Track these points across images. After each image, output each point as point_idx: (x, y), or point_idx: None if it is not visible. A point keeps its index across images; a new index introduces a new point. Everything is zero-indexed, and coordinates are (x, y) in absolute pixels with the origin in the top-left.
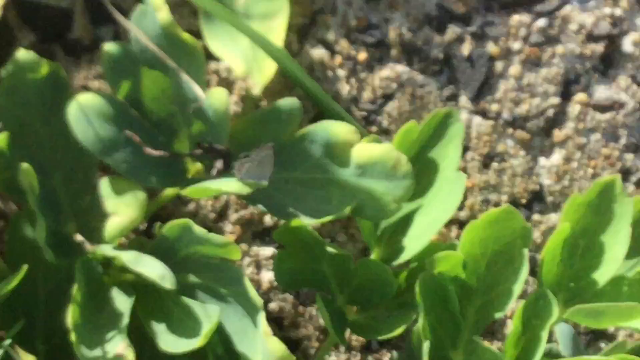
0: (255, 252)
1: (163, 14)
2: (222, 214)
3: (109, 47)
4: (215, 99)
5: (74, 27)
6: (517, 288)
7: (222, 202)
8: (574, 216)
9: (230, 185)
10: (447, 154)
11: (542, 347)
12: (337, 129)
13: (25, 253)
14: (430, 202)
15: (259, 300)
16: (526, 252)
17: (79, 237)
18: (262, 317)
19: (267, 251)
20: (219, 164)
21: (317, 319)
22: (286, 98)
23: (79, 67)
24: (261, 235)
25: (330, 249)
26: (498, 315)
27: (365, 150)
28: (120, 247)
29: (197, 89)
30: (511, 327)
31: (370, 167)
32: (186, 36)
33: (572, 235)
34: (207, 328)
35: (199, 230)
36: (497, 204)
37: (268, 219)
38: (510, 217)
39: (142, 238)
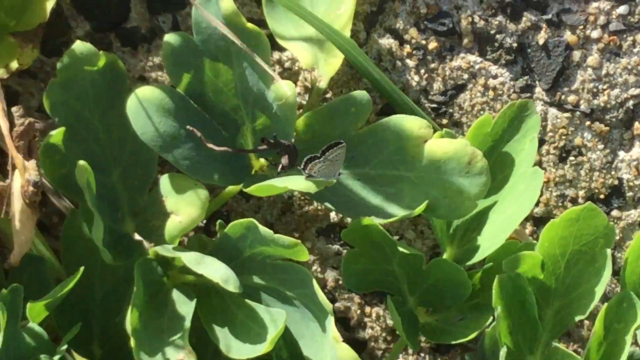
0: (320, 250)
1: (226, 3)
2: (285, 211)
3: (170, 37)
4: (282, 92)
5: (131, 15)
6: (599, 290)
7: (285, 197)
8: None
9: (298, 184)
10: (523, 148)
11: (626, 352)
12: (409, 123)
13: (81, 253)
14: (506, 199)
15: (328, 305)
16: (609, 251)
17: (137, 237)
18: (331, 322)
19: (333, 249)
20: (284, 160)
21: (385, 320)
22: (356, 91)
23: (135, 57)
24: (326, 232)
25: (401, 249)
26: (578, 318)
27: (439, 145)
28: (180, 246)
29: (272, 74)
30: (591, 329)
31: (445, 163)
32: (250, 26)
33: None
34: (273, 333)
35: (264, 230)
36: (573, 200)
37: (333, 216)
38: (592, 214)
39: (202, 236)
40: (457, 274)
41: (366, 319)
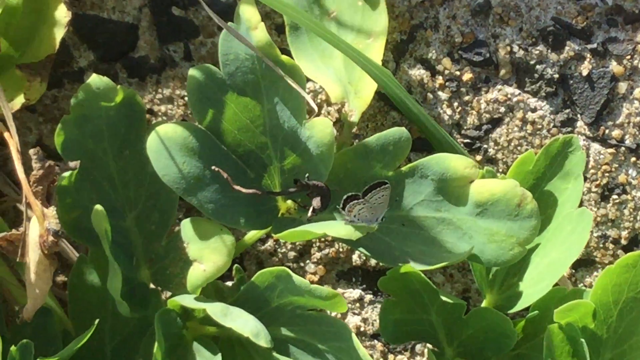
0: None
1: (259, 34)
2: (303, 252)
3: (195, 70)
4: (318, 129)
5: (139, 44)
6: None
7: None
8: None
9: (337, 230)
10: (567, 187)
11: None
12: (453, 163)
13: (90, 303)
14: (549, 242)
15: (368, 359)
16: None
17: (152, 286)
18: None
19: (354, 294)
20: (316, 203)
21: None
22: (394, 128)
23: (143, 89)
24: (347, 275)
25: (444, 298)
26: None
27: (486, 186)
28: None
29: (313, 105)
30: None
31: (492, 206)
32: (285, 58)
33: None
34: None
35: (299, 280)
36: (616, 241)
37: (355, 258)
38: None
39: (218, 282)
40: (501, 323)
41: None
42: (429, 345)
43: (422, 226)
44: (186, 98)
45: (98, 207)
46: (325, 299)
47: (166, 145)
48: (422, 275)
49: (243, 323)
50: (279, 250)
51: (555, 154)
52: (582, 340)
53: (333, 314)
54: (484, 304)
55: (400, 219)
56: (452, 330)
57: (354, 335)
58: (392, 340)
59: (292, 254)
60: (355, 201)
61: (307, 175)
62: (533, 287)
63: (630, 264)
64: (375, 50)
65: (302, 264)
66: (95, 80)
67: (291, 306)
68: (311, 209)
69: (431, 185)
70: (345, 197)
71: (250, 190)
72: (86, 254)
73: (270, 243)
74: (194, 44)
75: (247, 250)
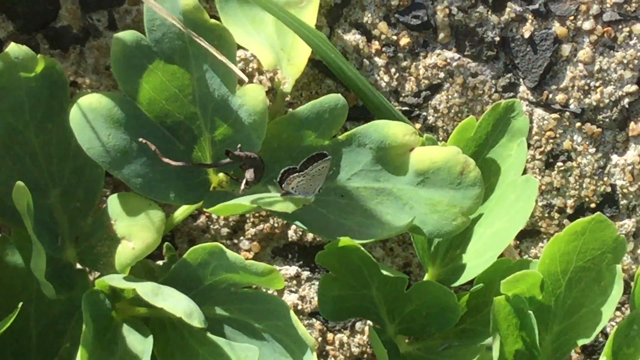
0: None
1: None
2: (237, 229)
3: (120, 36)
4: (250, 97)
5: (60, 13)
6: (606, 310)
7: (236, 214)
8: None
9: (272, 203)
10: (510, 154)
11: None
12: (392, 130)
13: (12, 285)
14: (493, 211)
15: (309, 338)
16: (619, 267)
17: (78, 266)
18: (312, 358)
19: (291, 270)
20: (249, 175)
21: (349, 348)
22: (330, 94)
23: (66, 60)
24: (282, 252)
25: (384, 272)
26: (581, 342)
27: (426, 154)
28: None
29: (241, 75)
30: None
31: (433, 175)
32: (213, 22)
33: None
34: None
35: (233, 255)
36: (561, 210)
37: (291, 233)
38: (600, 227)
39: (147, 261)
40: (444, 297)
41: (328, 347)
42: (369, 322)
43: (360, 197)
44: (111, 69)
45: (19, 183)
46: (261, 275)
47: (90, 117)
48: (362, 248)
49: (175, 303)
50: (211, 227)
51: (497, 119)
52: (530, 312)
53: (270, 291)
54: (426, 278)
55: (337, 190)
56: (393, 306)
57: (292, 313)
58: (331, 317)
59: (225, 231)
60: (295, 174)
61: (239, 146)
62: (477, 259)
63: (578, 231)
64: (308, 15)
65: (235, 241)
66: (13, 49)
67: (225, 284)
68: (244, 182)
69: (369, 154)
70: (283, 170)
71: (180, 163)
72: (8, 234)
73: (202, 219)
74: (119, 12)
75: (178, 227)
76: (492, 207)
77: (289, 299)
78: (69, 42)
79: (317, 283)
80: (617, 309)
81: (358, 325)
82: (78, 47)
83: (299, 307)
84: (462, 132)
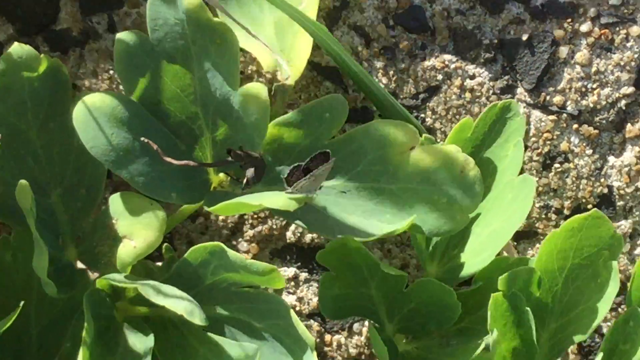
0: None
1: None
2: (235, 230)
3: (123, 36)
4: (252, 95)
5: (60, 16)
6: (602, 307)
7: (235, 216)
8: None
9: (274, 200)
10: (506, 154)
11: None
12: (392, 129)
13: (14, 286)
14: (490, 211)
15: (309, 337)
16: (615, 264)
17: (80, 265)
18: (312, 357)
19: (289, 272)
20: (250, 174)
21: (347, 349)
22: (330, 94)
23: (66, 63)
24: (281, 253)
25: (385, 270)
26: (578, 339)
27: (427, 153)
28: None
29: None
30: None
31: (433, 174)
32: (217, 21)
33: None
34: None
35: (234, 255)
36: (558, 211)
37: (290, 235)
38: (597, 223)
39: (147, 262)
40: (444, 295)
41: (326, 349)
42: (367, 323)
43: (360, 196)
44: (111, 72)
45: (22, 182)
46: (262, 274)
47: (94, 116)
48: (363, 247)
49: (176, 301)
50: (210, 228)
51: (494, 120)
52: (527, 309)
53: (270, 291)
54: (425, 277)
55: (338, 189)
56: (392, 305)
57: (292, 312)
58: (331, 316)
59: (224, 232)
60: (299, 172)
61: (240, 145)
62: (475, 257)
63: (575, 227)
64: (310, 11)
65: (234, 242)
66: (16, 49)
67: (226, 283)
68: (245, 181)
69: (370, 154)
70: (290, 168)
71: (182, 162)
72: (8, 235)
73: (200, 221)
74: (118, 15)
75: (176, 229)
76: (489, 207)
77: (287, 300)
78: (68, 44)
79: (315, 284)
80: (614, 309)
81: (356, 326)
82: (78, 50)
83: (297, 308)
84: (459, 133)
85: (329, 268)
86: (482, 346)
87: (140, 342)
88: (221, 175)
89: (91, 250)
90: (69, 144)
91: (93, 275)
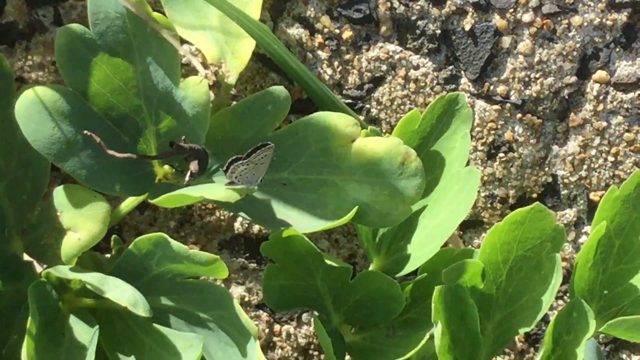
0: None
1: None
2: (183, 222)
3: (64, 30)
4: (193, 89)
5: (6, 9)
6: (547, 298)
7: (183, 208)
8: (609, 213)
9: (216, 192)
10: (454, 146)
11: None
12: (334, 121)
13: None
14: (437, 203)
15: (252, 327)
16: (558, 256)
17: (26, 257)
18: (255, 347)
19: (237, 263)
20: (193, 166)
21: (296, 339)
22: (273, 86)
23: (13, 56)
24: (230, 244)
25: (328, 262)
26: (523, 330)
27: (369, 145)
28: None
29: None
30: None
31: (375, 165)
32: (157, 15)
33: (606, 235)
34: None
35: (177, 245)
36: (503, 200)
37: (237, 226)
38: (540, 216)
39: (95, 253)
40: (388, 287)
41: (275, 339)
42: (315, 313)
43: (304, 188)
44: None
45: None
46: (205, 264)
47: (35, 109)
48: (306, 239)
49: (120, 293)
50: (158, 219)
51: (441, 112)
52: (472, 301)
53: (218, 283)
54: (371, 269)
55: (281, 181)
56: (338, 296)
57: (235, 302)
58: (276, 307)
59: (172, 224)
60: (239, 162)
61: (183, 137)
62: (421, 249)
63: (518, 220)
64: (252, 9)
65: (182, 234)
66: None
67: (171, 274)
68: (189, 173)
69: (312, 146)
70: (229, 160)
71: (125, 155)
72: None
73: (149, 213)
74: (64, 8)
75: (125, 221)
76: (436, 198)
77: (236, 291)
78: (15, 37)
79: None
80: (560, 297)
81: (305, 316)
82: (24, 43)
83: (246, 299)
84: (406, 125)
85: (273, 260)
86: (427, 337)
87: (86, 333)
88: (166, 167)
89: (37, 242)
90: (13, 138)
91: (40, 267)
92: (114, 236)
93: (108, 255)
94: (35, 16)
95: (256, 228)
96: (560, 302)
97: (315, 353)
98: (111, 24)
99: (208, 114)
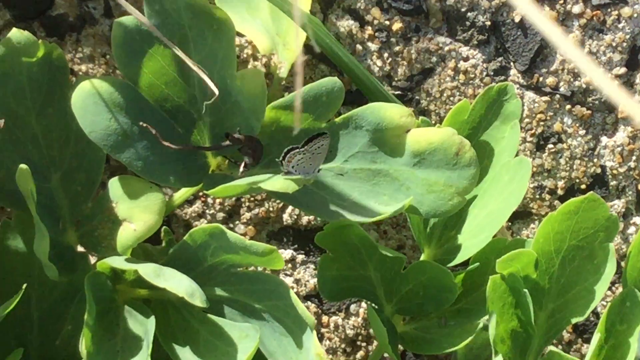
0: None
1: None
2: (232, 213)
3: (121, 21)
4: (249, 80)
5: (57, 2)
6: (600, 288)
7: (232, 199)
8: None
9: (273, 183)
10: (503, 136)
11: (632, 357)
12: (388, 112)
13: (15, 270)
14: (487, 193)
15: (309, 317)
16: (611, 246)
17: (80, 248)
18: (312, 337)
19: (286, 254)
20: (248, 157)
21: (344, 330)
22: (327, 78)
23: (63, 49)
24: (277, 236)
25: (383, 252)
26: (575, 320)
27: (423, 135)
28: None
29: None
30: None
31: (429, 155)
32: (213, 8)
33: None
34: (247, 351)
35: (233, 236)
36: (552, 191)
37: (286, 217)
38: (593, 206)
39: (146, 245)
40: (442, 277)
41: (323, 330)
42: (364, 304)
43: (357, 179)
44: (108, 56)
45: (23, 166)
46: (262, 255)
47: (92, 101)
48: (361, 229)
49: (177, 283)
50: (207, 211)
51: (491, 102)
52: (525, 290)
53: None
54: (422, 259)
55: (335, 172)
56: (391, 286)
57: (291, 292)
58: (330, 297)
59: (220, 215)
60: (296, 151)
61: (238, 129)
62: (472, 239)
63: (572, 210)
64: (303, 1)
65: (231, 225)
66: (15, 34)
67: (225, 265)
68: (243, 164)
69: (366, 136)
70: (286, 149)
71: (180, 146)
72: (9, 219)
73: (197, 205)
74: (114, 0)
75: (174, 213)
76: (486, 188)
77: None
78: (65, 30)
79: (312, 266)
80: (608, 288)
81: (353, 307)
82: (74, 35)
83: (294, 290)
84: (455, 116)
85: (327, 250)
86: (480, 326)
87: (141, 324)
88: (219, 158)
89: (91, 233)
90: (68, 129)
91: (93, 258)
92: (164, 227)
93: (157, 247)
94: (85, 8)
95: (305, 219)
96: (609, 292)
97: (363, 344)
98: (168, 15)
99: (264, 105)
